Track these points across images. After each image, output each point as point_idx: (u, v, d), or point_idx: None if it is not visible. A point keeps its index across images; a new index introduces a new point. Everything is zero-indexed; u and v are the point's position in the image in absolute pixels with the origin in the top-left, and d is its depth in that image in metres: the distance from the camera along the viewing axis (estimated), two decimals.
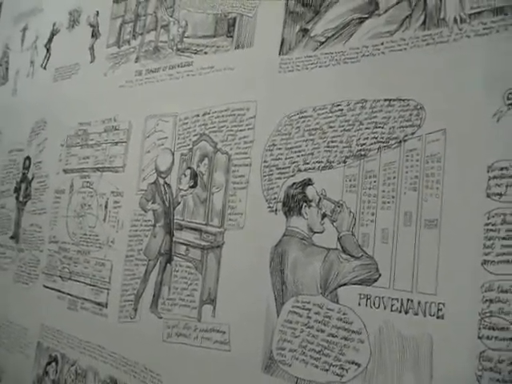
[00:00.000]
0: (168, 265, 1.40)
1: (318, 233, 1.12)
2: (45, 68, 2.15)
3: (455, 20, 1.00)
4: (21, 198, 2.07)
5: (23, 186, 2.08)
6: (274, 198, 1.20)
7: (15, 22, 2.47)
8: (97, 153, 1.75)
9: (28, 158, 2.09)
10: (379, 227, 1.03)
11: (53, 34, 2.16)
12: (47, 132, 2.03)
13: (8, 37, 2.48)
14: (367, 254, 1.03)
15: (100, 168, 1.72)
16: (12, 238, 2.07)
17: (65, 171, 1.88)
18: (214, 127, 1.37)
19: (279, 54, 1.27)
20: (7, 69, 2.42)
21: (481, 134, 0.93)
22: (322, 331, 1.07)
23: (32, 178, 2.03)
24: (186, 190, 1.40)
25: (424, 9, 1.05)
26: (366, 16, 1.14)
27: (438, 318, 0.92)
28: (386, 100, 1.06)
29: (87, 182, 1.75)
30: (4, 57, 2.47)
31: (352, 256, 1.05)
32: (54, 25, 2.16)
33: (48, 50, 2.16)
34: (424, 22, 1.04)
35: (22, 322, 1.92)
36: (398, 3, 1.09)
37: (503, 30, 0.94)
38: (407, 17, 1.07)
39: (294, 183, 1.17)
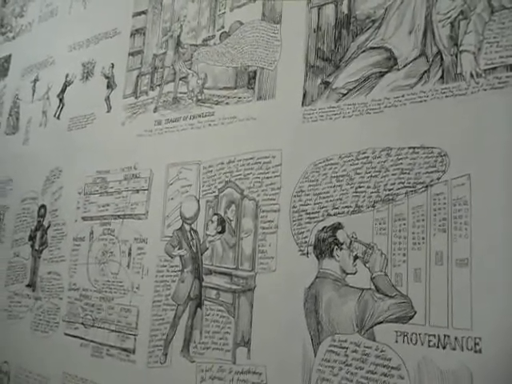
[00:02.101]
0: (198, 309, 1.44)
1: (350, 274, 1.18)
2: (58, 118, 2.21)
3: (471, 75, 1.09)
4: (37, 246, 2.09)
5: (39, 234, 2.10)
6: (305, 242, 1.26)
7: (24, 73, 2.54)
8: (117, 200, 1.79)
9: (43, 206, 2.13)
10: (411, 267, 1.09)
11: (66, 85, 2.23)
12: (63, 180, 2.08)
13: (17, 88, 2.55)
14: (401, 292, 1.09)
15: (121, 215, 1.76)
16: (28, 286, 2.09)
17: (83, 219, 1.92)
18: (240, 175, 1.44)
19: (302, 104, 1.35)
20: (17, 119, 2.48)
21: (503, 178, 1.01)
22: (361, 368, 1.11)
23: (48, 226, 2.06)
24: (213, 236, 1.45)
25: (441, 64, 1.14)
26: (386, 70, 1.23)
27: (475, 352, 0.98)
28: (410, 148, 1.14)
29: (108, 229, 1.79)
30: (14, 107, 2.53)
31: (386, 295, 1.11)
32: (66, 76, 2.23)
33: (61, 101, 2.22)
34: (442, 77, 1.14)
35: (42, 371, 1.92)
36: (415, 59, 1.19)
37: None
38: (425, 71, 1.16)
39: (324, 227, 1.24)
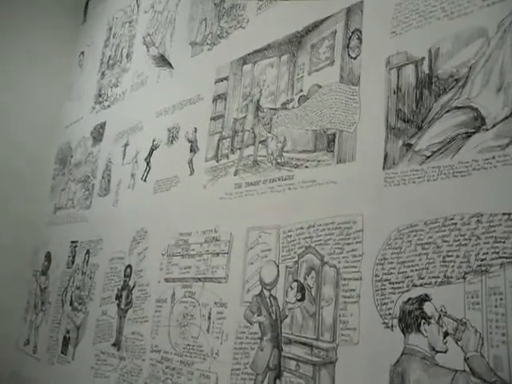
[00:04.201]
0: (277, 380, 1.38)
1: (440, 352, 1.08)
2: (145, 180, 2.31)
3: None
4: (122, 306, 2.15)
5: (124, 293, 2.16)
6: (389, 314, 1.18)
7: (116, 138, 2.71)
8: (198, 263, 1.81)
9: (129, 266, 2.20)
10: None
11: (152, 149, 2.34)
12: (148, 241, 2.14)
13: (110, 152, 2.72)
14: (502, 378, 0.97)
15: (202, 278, 1.77)
16: (114, 345, 2.13)
17: (166, 280, 1.95)
18: (320, 240, 1.40)
19: (383, 168, 1.30)
20: (109, 181, 2.63)
21: None
22: None
23: (133, 286, 2.12)
24: (293, 303, 1.41)
25: None
26: (473, 131, 1.16)
27: None
28: (504, 214, 1.05)
29: (189, 291, 1.80)
30: (106, 170, 2.69)
31: (484, 380, 0.99)
32: (153, 141, 2.34)
33: (148, 164, 2.33)
34: None
35: None
36: (506, 118, 1.11)
37: None
38: None
39: (409, 299, 1.15)
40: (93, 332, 2.33)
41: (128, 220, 2.32)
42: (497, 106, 1.13)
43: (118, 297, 2.20)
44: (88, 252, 2.60)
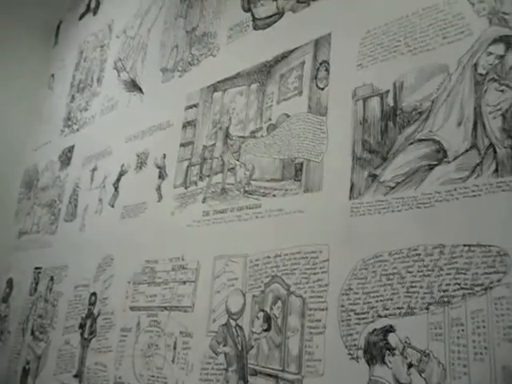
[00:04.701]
0: None
1: None
2: (113, 206, 2.28)
3: None
4: (86, 335, 2.09)
5: (88, 322, 2.11)
6: (354, 345, 1.18)
7: (85, 163, 2.67)
8: (164, 291, 1.78)
9: (94, 293, 2.15)
10: (474, 380, 0.98)
11: (121, 175, 2.31)
12: (114, 268, 2.10)
13: (78, 176, 2.68)
14: None
15: (168, 307, 1.74)
16: (76, 376, 2.06)
17: (131, 309, 1.91)
18: (287, 269, 1.39)
19: (349, 198, 1.31)
20: (76, 206, 2.58)
21: None
22: None
23: (98, 315, 2.07)
24: (259, 334, 1.39)
25: (494, 157, 1.09)
26: (436, 163, 1.18)
27: None
28: (465, 245, 1.07)
29: (154, 320, 1.77)
30: (73, 195, 2.64)
31: None
32: (122, 166, 2.32)
33: (116, 189, 2.30)
34: (496, 170, 1.07)
35: None
36: (466, 151, 1.14)
37: None
38: (478, 164, 1.11)
39: (374, 329, 1.15)
40: (54, 362, 2.25)
41: (94, 246, 2.27)
42: (458, 140, 1.16)
43: (82, 326, 2.14)
44: (52, 279, 2.53)
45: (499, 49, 1.14)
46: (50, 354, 2.31)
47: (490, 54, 1.16)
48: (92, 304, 2.13)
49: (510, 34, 1.12)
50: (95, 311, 2.10)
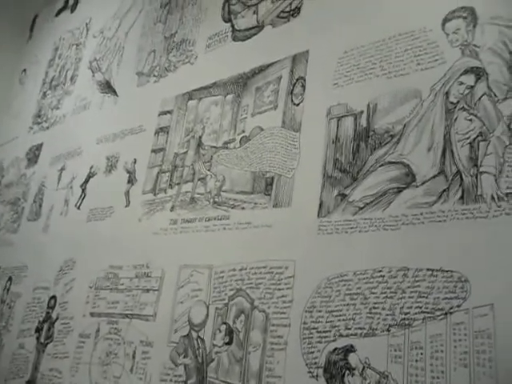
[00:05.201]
0: None
1: None
2: (79, 208, 2.23)
3: (492, 198, 1.05)
4: (42, 340, 2.04)
5: (46, 326, 2.05)
6: (315, 363, 1.18)
7: (53, 162, 2.61)
8: (127, 298, 1.75)
9: (54, 297, 2.09)
10: None
11: (89, 176, 2.27)
12: (76, 272, 2.06)
13: (45, 175, 2.62)
14: None
15: (129, 315, 1.71)
16: (28, 382, 2.00)
17: (91, 314, 1.87)
18: (252, 283, 1.39)
19: (318, 215, 1.32)
20: (41, 205, 2.52)
21: None
22: None
23: (56, 319, 2.02)
24: (220, 347, 1.38)
25: (461, 184, 1.11)
26: (404, 186, 1.20)
27: None
28: (428, 270, 1.08)
29: (115, 328, 1.73)
30: (39, 194, 2.58)
31: None
32: (91, 168, 2.28)
33: (83, 191, 2.26)
34: (462, 197, 1.10)
35: None
36: (434, 177, 1.16)
37: None
38: (445, 190, 1.13)
39: (335, 348, 1.16)
40: (7, 367, 2.18)
41: (57, 248, 2.22)
42: (427, 165, 1.18)
43: (39, 329, 2.08)
44: (10, 279, 2.45)
45: (470, 79, 1.17)
46: (3, 358, 2.24)
47: (462, 83, 1.19)
48: (51, 307, 2.08)
49: (480, 66, 1.16)
50: (54, 315, 2.04)
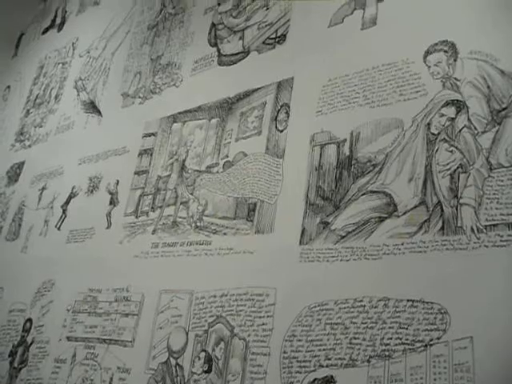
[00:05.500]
0: None
1: None
2: (59, 229, 2.20)
3: (472, 229, 1.06)
4: (16, 364, 1.98)
5: (20, 350, 2.00)
6: None
7: (34, 181, 2.58)
8: (105, 323, 1.72)
9: (29, 320, 2.04)
10: None
11: (71, 197, 2.25)
12: (53, 294, 2.02)
13: (25, 194, 2.58)
14: None
15: (107, 340, 1.68)
16: None
17: (68, 339, 1.83)
18: (232, 310, 1.37)
19: (300, 243, 1.32)
20: (20, 225, 2.48)
21: (509, 343, 0.93)
22: None
23: (31, 343, 1.97)
24: (199, 375, 1.35)
25: (441, 215, 1.12)
26: (386, 216, 1.21)
27: None
28: (409, 300, 1.08)
29: (92, 353, 1.70)
30: (18, 213, 2.54)
31: None
32: (73, 188, 2.26)
33: (64, 212, 2.23)
34: (442, 228, 1.11)
35: None
36: (415, 207, 1.17)
37: None
38: (425, 221, 1.14)
39: (315, 379, 1.15)
40: None
41: (35, 269, 2.18)
42: (408, 195, 1.19)
43: (12, 353, 2.03)
44: None
45: (451, 111, 1.19)
46: None
47: (443, 115, 1.21)
48: (26, 331, 2.03)
49: (461, 99, 1.18)
50: (29, 339, 1.99)
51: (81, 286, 1.89)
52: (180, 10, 2.23)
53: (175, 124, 1.92)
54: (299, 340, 1.21)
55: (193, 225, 1.62)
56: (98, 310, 1.77)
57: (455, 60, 1.23)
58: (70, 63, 2.91)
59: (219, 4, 2.02)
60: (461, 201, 1.10)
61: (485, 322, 0.97)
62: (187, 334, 1.45)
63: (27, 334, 2.02)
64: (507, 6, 1.18)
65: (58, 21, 3.27)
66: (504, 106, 1.12)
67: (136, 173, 1.97)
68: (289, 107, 1.55)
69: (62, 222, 2.21)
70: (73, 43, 2.99)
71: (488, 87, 1.15)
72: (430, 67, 1.27)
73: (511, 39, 1.14)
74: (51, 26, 3.35)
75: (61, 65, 3.01)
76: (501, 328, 0.95)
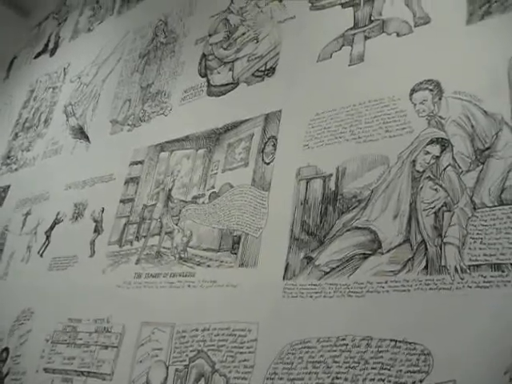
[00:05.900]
0: None
1: None
2: (41, 255, 2.17)
3: (456, 269, 1.06)
4: None
5: None
6: None
7: (18, 205, 2.55)
8: (84, 354, 1.67)
9: (6, 349, 1.99)
10: None
11: (55, 223, 2.22)
12: (33, 323, 1.97)
13: (9, 219, 2.55)
14: None
15: (85, 372, 1.63)
16: None
17: (45, 370, 1.78)
18: (213, 345, 1.34)
19: (283, 278, 1.30)
20: (1, 250, 2.44)
21: None
22: None
23: (7, 374, 1.91)
24: None
25: (425, 254, 1.11)
26: (370, 253, 1.20)
27: None
28: (392, 340, 1.07)
29: None
30: (1, 238, 2.50)
31: None
32: (57, 214, 2.23)
33: (48, 238, 2.20)
34: (426, 267, 1.10)
35: None
36: (400, 245, 1.16)
37: (502, 286, 0.99)
38: (409, 259, 1.13)
39: None
40: None
41: (14, 296, 2.13)
42: (392, 232, 1.18)
43: None
44: None
45: (435, 149, 1.20)
46: None
47: (428, 153, 1.21)
48: (2, 361, 1.97)
49: (446, 137, 1.18)
50: (4, 369, 1.93)
51: (61, 316, 1.85)
52: (171, 40, 2.25)
53: (163, 153, 1.92)
54: (280, 378, 1.18)
55: (177, 256, 1.60)
56: (78, 340, 1.73)
57: (440, 99, 1.24)
58: (60, 88, 2.91)
59: (210, 35, 2.04)
60: (445, 240, 1.10)
61: (468, 364, 0.96)
62: (167, 368, 1.41)
63: (3, 364, 1.96)
64: (490, 49, 1.20)
65: (51, 46, 3.29)
66: (487, 145, 1.13)
67: (122, 201, 1.95)
68: (276, 140, 1.55)
69: (46, 248, 2.17)
70: (64, 68, 3.00)
71: (472, 126, 1.16)
72: (415, 105, 1.28)
73: (494, 81, 1.16)
74: (44, 51, 3.37)
75: (51, 89, 3.02)
76: (484, 372, 0.93)
